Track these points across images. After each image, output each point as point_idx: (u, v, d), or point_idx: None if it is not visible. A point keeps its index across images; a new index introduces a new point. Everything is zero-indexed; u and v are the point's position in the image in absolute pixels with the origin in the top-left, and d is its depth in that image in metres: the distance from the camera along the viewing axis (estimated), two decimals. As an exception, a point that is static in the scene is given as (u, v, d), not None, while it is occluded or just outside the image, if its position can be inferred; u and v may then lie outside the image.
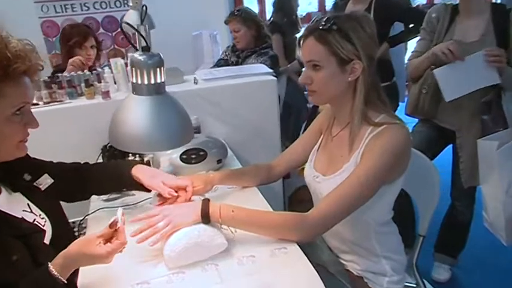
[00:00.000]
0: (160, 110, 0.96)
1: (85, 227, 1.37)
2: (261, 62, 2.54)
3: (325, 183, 1.20)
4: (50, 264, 0.92)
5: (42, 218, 1.11)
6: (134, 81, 0.95)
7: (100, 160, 1.81)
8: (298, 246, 1.12)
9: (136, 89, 0.96)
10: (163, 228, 1.06)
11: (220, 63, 2.86)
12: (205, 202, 1.11)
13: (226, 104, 2.02)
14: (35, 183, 1.15)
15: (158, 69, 0.95)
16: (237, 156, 1.82)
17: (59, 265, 0.91)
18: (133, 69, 0.94)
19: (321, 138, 1.38)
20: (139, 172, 1.25)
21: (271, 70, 2.16)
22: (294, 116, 3.31)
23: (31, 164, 1.19)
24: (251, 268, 1.06)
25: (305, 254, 1.28)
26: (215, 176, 1.38)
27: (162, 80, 0.97)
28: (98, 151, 1.86)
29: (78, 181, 1.26)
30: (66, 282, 0.90)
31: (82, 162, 1.37)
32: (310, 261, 1.26)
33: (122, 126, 0.96)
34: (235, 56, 2.77)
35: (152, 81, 0.95)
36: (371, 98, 1.18)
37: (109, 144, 1.83)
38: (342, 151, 1.24)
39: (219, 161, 1.63)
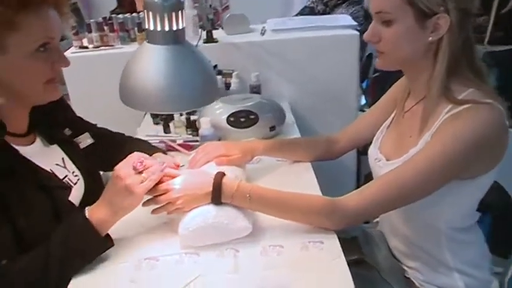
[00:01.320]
0: (178, 62, 0.91)
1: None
2: (352, 13, 2.40)
3: (387, 169, 1.08)
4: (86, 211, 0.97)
5: (76, 176, 1.15)
6: (148, 27, 0.90)
7: (148, 116, 1.85)
8: (338, 242, 1.04)
9: (150, 37, 0.91)
10: (172, 208, 1.05)
11: (305, 11, 2.77)
12: (218, 178, 1.04)
13: (296, 61, 1.92)
14: (74, 139, 1.21)
15: (177, 13, 0.89)
16: (301, 125, 1.74)
17: (95, 213, 0.97)
18: (148, 12, 0.88)
19: (394, 113, 1.24)
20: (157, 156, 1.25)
21: (355, 24, 2.00)
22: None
23: (74, 120, 1.27)
24: (274, 261, 0.99)
25: (359, 250, 1.20)
26: (258, 145, 1.32)
27: (182, 27, 0.91)
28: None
29: (118, 152, 1.27)
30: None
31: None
32: (364, 261, 1.18)
33: (133, 80, 0.92)
34: (323, 4, 2.67)
35: (169, 28, 0.89)
36: (458, 67, 1.01)
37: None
38: (412, 131, 1.10)
39: (272, 128, 1.56)
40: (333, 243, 1.03)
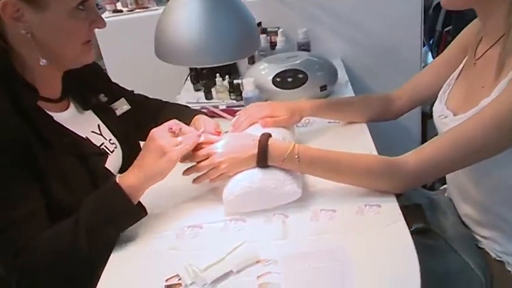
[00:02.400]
0: (213, 12, 0.92)
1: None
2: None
3: (453, 125, 1.04)
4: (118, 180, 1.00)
5: (112, 144, 1.19)
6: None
7: (188, 83, 1.88)
8: (397, 205, 1.02)
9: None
10: (216, 174, 1.06)
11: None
12: (263, 140, 1.04)
13: (349, 14, 1.89)
14: (111, 106, 1.25)
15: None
16: (356, 85, 1.72)
17: (125, 179, 1.00)
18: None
19: (463, 63, 1.19)
20: (196, 121, 1.26)
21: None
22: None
23: (109, 86, 1.30)
24: (326, 225, 0.99)
25: (424, 218, 1.17)
26: (306, 104, 1.30)
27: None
28: (186, 70, 1.93)
29: (156, 119, 1.31)
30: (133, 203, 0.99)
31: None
32: (430, 230, 1.16)
33: (166, 32, 0.94)
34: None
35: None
36: None
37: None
38: (484, 80, 1.04)
39: (323, 88, 1.55)
40: (391, 207, 1.01)
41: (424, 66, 2.07)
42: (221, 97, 1.73)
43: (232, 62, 1.51)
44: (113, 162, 1.16)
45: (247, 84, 1.41)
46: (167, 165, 1.00)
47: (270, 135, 1.06)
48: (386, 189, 1.04)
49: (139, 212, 1.01)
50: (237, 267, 0.90)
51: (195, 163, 1.09)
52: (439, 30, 2.71)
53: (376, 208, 1.02)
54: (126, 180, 1.00)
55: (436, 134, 1.95)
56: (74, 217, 0.96)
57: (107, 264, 0.98)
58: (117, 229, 1.01)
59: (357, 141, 1.29)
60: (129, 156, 1.18)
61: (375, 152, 1.22)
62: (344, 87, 1.65)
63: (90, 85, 1.21)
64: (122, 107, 1.27)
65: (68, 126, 1.07)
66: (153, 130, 1.03)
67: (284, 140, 1.14)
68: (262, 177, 1.03)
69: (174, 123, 1.05)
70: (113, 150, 1.18)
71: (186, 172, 1.09)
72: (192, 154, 1.05)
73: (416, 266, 0.86)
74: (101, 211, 0.97)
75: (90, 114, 1.18)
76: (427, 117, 2.08)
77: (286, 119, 1.25)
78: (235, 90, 1.68)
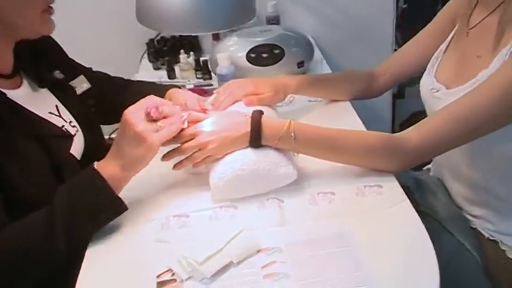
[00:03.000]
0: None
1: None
2: None
3: (447, 99, 1.04)
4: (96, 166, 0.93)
5: (73, 127, 1.12)
6: None
7: (145, 58, 1.80)
8: (399, 184, 1.02)
9: None
10: (203, 156, 1.00)
11: None
12: (256, 117, 1.00)
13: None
14: (70, 83, 1.18)
15: None
16: (328, 63, 1.72)
17: (103, 168, 0.93)
18: None
19: (452, 33, 1.19)
20: (173, 97, 1.20)
21: None
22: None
23: (66, 62, 1.22)
24: (327, 209, 0.97)
25: (413, 201, 1.18)
26: (291, 81, 1.27)
27: None
28: (142, 46, 1.84)
29: (120, 99, 1.26)
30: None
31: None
32: (421, 212, 1.15)
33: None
34: None
35: None
36: None
37: (157, 38, 1.81)
38: (480, 49, 1.05)
39: (300, 64, 1.52)
40: (393, 187, 1.01)
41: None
42: (186, 76, 1.67)
43: (210, 33, 1.42)
44: (76, 147, 1.09)
45: (222, 60, 1.35)
46: (148, 154, 0.94)
47: (262, 112, 1.02)
48: (386, 168, 1.03)
49: (121, 206, 0.95)
50: (238, 258, 0.86)
51: (177, 145, 1.02)
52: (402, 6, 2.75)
53: (377, 189, 1.01)
54: (105, 170, 0.93)
55: (415, 113, 1.99)
56: (45, 211, 0.89)
57: (84, 259, 0.91)
58: (97, 225, 0.94)
59: (344, 120, 1.27)
60: (92, 143, 1.14)
61: (365, 129, 1.21)
62: (320, 64, 1.64)
63: (44, 60, 1.13)
64: (81, 85, 1.20)
65: (24, 105, 0.99)
66: (127, 112, 0.94)
67: (270, 119, 1.10)
68: (255, 159, 0.99)
69: (152, 101, 0.97)
70: (75, 134, 1.11)
71: (167, 157, 1.02)
72: (176, 136, 0.98)
73: (430, 246, 0.86)
74: (80, 204, 0.90)
75: (46, 93, 1.11)
76: (396, 96, 2.11)
77: (271, 96, 1.21)
78: (203, 68, 1.62)
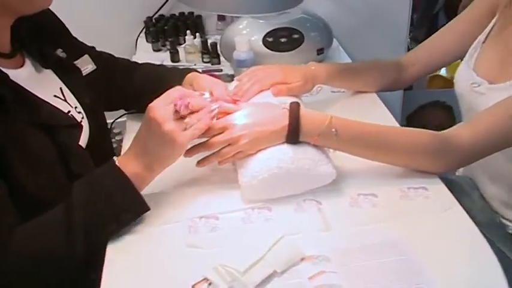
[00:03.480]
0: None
1: (119, 133, 1.31)
2: None
3: (491, 94, 1.02)
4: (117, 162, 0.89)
5: (79, 113, 1.06)
6: None
7: (142, 37, 1.73)
8: (445, 187, 0.99)
9: None
10: (233, 152, 0.95)
11: None
12: (294, 109, 0.95)
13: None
14: (75, 63, 1.13)
15: None
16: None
17: (127, 166, 0.89)
18: None
19: (492, 22, 1.16)
20: (195, 83, 1.13)
21: None
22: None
23: (69, 39, 1.16)
24: (372, 213, 0.93)
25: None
26: (320, 70, 1.22)
27: None
28: (138, 25, 1.76)
29: (127, 83, 1.24)
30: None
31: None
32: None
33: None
34: None
35: None
36: None
37: (156, 16, 1.74)
38: None
39: (319, 51, 1.48)
40: (439, 190, 0.98)
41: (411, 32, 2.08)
42: (192, 59, 1.60)
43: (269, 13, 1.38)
44: (82, 137, 1.03)
45: (241, 44, 1.28)
46: (175, 154, 0.91)
47: (299, 104, 0.96)
48: (433, 169, 1.00)
49: (144, 206, 0.91)
50: (282, 267, 0.81)
51: (204, 139, 0.96)
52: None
53: (423, 191, 0.97)
54: (128, 167, 0.88)
55: (422, 106, 1.98)
56: (62, 210, 0.84)
57: (105, 265, 0.85)
58: (118, 226, 0.89)
59: (374, 113, 1.23)
60: (96, 130, 1.09)
61: (397, 123, 1.18)
62: (338, 53, 1.60)
63: (45, 38, 1.06)
64: (85, 66, 1.15)
65: (27, 88, 0.93)
66: (153, 107, 0.88)
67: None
68: (293, 156, 0.94)
69: (178, 94, 0.90)
70: (81, 121, 1.05)
71: (190, 152, 0.96)
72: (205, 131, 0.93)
73: (492, 256, 0.83)
74: (101, 204, 0.86)
75: (50, 74, 1.05)
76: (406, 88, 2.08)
77: (300, 87, 1.16)
78: (210, 51, 1.55)
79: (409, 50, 1.87)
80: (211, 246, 0.87)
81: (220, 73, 1.49)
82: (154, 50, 1.72)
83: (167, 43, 1.69)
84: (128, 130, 1.26)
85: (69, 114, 1.03)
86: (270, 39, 1.42)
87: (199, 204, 0.97)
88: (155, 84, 1.11)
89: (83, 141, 1.04)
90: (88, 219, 0.84)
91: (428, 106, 2.31)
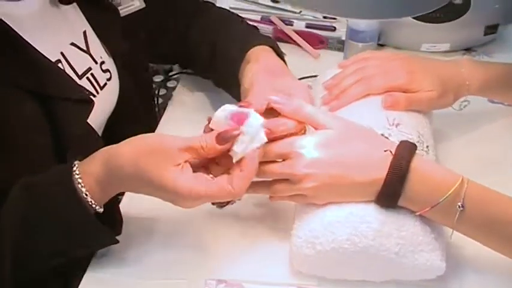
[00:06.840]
0: None
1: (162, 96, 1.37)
2: None
3: None
4: (76, 176, 0.84)
5: (105, 71, 1.07)
6: None
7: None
8: None
9: None
10: (290, 193, 0.87)
11: None
12: (403, 157, 0.83)
13: None
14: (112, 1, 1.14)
15: None
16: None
17: (94, 180, 0.84)
18: None
19: None
20: (255, 82, 1.03)
21: None
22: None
23: None
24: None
25: None
26: (474, 73, 1.08)
27: None
28: None
29: (185, 32, 1.24)
30: (101, 210, 0.86)
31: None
32: None
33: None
34: None
35: None
36: None
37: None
38: None
39: (490, 29, 1.39)
40: None
41: None
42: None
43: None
44: (101, 106, 1.03)
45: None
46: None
47: (414, 146, 0.84)
48: None
49: (112, 238, 0.88)
50: None
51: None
52: None
53: None
54: (95, 188, 0.84)
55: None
56: None
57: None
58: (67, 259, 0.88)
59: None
60: (129, 95, 1.13)
61: None
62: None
63: None
64: (129, 2, 1.14)
65: (25, 36, 0.90)
66: (145, 152, 0.83)
67: (420, 144, 0.92)
68: (379, 229, 0.83)
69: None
70: (105, 85, 1.06)
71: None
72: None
73: None
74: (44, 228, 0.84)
75: (72, 11, 1.04)
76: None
77: (432, 98, 1.02)
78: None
79: None
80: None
81: (329, 33, 1.42)
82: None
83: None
84: (175, 98, 1.26)
85: (89, 73, 1.03)
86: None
87: (222, 260, 0.93)
88: (213, 52, 1.13)
89: (104, 112, 1.07)
90: (21, 250, 0.83)
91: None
